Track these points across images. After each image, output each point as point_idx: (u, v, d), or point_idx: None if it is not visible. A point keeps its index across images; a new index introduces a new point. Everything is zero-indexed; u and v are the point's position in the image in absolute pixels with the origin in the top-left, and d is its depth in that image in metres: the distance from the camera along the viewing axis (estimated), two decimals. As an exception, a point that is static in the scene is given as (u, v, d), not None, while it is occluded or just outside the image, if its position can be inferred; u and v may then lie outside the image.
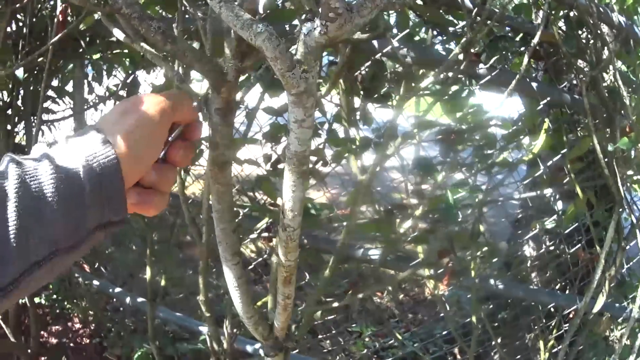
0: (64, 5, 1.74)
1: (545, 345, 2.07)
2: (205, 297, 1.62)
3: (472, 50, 1.65)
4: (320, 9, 0.74)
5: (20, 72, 1.91)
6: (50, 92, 2.12)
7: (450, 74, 1.60)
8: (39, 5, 1.97)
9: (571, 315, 2.04)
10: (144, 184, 0.67)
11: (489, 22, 1.59)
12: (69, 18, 1.81)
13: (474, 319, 1.79)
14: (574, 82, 2.15)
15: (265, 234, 1.65)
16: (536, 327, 2.10)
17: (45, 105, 2.10)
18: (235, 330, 1.69)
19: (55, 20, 1.73)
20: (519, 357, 2.08)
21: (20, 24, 1.99)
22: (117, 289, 2.01)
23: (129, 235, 2.13)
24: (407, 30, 1.68)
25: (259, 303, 1.75)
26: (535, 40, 1.66)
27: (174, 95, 0.73)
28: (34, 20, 1.95)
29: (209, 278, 1.59)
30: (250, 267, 1.93)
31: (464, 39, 1.50)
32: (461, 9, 1.68)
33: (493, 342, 1.95)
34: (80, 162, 0.55)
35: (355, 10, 0.75)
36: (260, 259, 1.89)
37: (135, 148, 0.61)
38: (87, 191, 0.54)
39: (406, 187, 1.69)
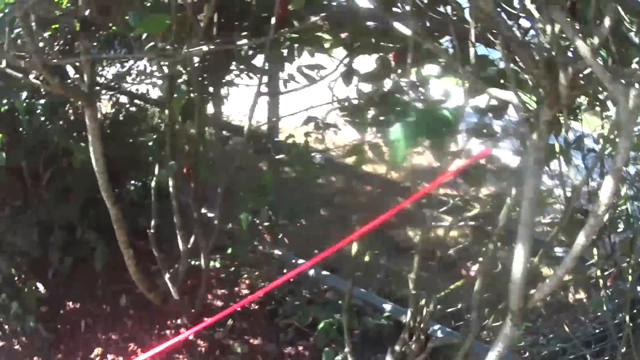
0: None
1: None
2: (416, 276, 1.75)
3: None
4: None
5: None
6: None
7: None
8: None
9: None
10: None
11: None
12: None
13: (627, 319, 1.96)
14: None
15: (471, 223, 1.79)
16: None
17: (229, 78, 2.18)
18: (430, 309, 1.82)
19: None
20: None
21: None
22: (300, 260, 2.12)
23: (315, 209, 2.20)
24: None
25: (452, 287, 1.90)
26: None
27: None
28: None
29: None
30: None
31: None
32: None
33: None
34: None
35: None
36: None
37: None
38: None
39: (588, 194, 1.85)
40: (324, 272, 2.07)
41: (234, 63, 2.26)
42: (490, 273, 1.71)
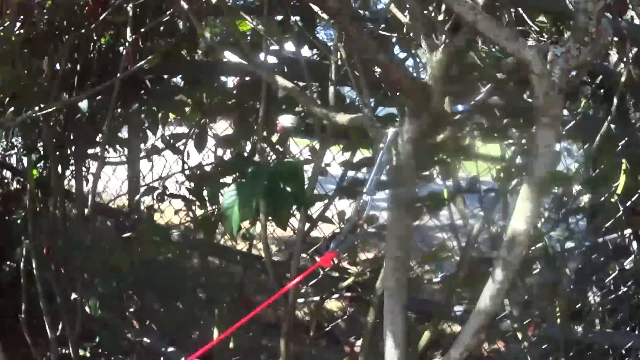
0: (134, 37, 1.55)
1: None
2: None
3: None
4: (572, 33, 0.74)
5: (84, 105, 1.68)
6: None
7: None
8: (94, 43, 1.78)
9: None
10: None
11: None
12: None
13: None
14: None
15: (348, 294, 1.49)
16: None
17: (95, 150, 1.89)
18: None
19: (125, 51, 1.55)
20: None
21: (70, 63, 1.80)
22: (170, 348, 1.80)
23: (180, 292, 1.91)
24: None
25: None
26: (622, 82, 1.56)
27: None
28: (92, 56, 1.76)
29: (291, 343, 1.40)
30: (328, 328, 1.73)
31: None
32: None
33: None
34: None
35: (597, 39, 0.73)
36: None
37: None
38: None
39: (492, 239, 1.55)
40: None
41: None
42: (374, 346, 1.40)
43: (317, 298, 1.50)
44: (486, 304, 0.86)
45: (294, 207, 1.25)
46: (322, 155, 1.31)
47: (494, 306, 0.86)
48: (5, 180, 2.43)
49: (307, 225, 1.42)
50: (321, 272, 1.50)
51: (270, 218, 1.23)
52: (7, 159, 2.45)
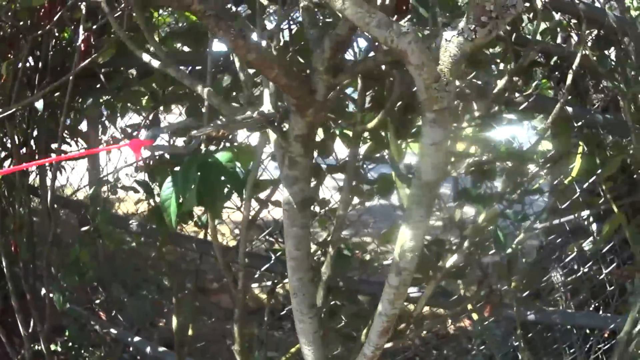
0: (86, 34, 1.56)
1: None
2: (240, 347, 1.45)
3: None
4: (468, 13, 0.64)
5: (40, 105, 1.70)
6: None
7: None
8: (54, 39, 1.79)
9: (606, 336, 1.89)
10: None
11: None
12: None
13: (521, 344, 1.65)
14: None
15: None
16: (573, 350, 1.94)
17: (56, 145, 1.89)
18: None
19: (77, 49, 1.56)
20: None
21: (32, 61, 1.81)
22: (137, 338, 1.80)
23: (142, 282, 1.92)
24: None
25: (292, 350, 1.57)
26: (575, 64, 1.52)
27: None
28: (50, 54, 1.77)
29: (244, 327, 1.41)
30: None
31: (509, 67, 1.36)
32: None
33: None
34: None
35: (500, 17, 0.64)
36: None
37: None
38: None
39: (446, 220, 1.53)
40: (161, 349, 1.75)
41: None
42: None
43: (269, 283, 1.50)
44: (385, 307, 0.88)
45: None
46: (263, 141, 1.30)
47: (393, 309, 0.88)
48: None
49: (258, 208, 1.42)
50: (273, 257, 1.49)
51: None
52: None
